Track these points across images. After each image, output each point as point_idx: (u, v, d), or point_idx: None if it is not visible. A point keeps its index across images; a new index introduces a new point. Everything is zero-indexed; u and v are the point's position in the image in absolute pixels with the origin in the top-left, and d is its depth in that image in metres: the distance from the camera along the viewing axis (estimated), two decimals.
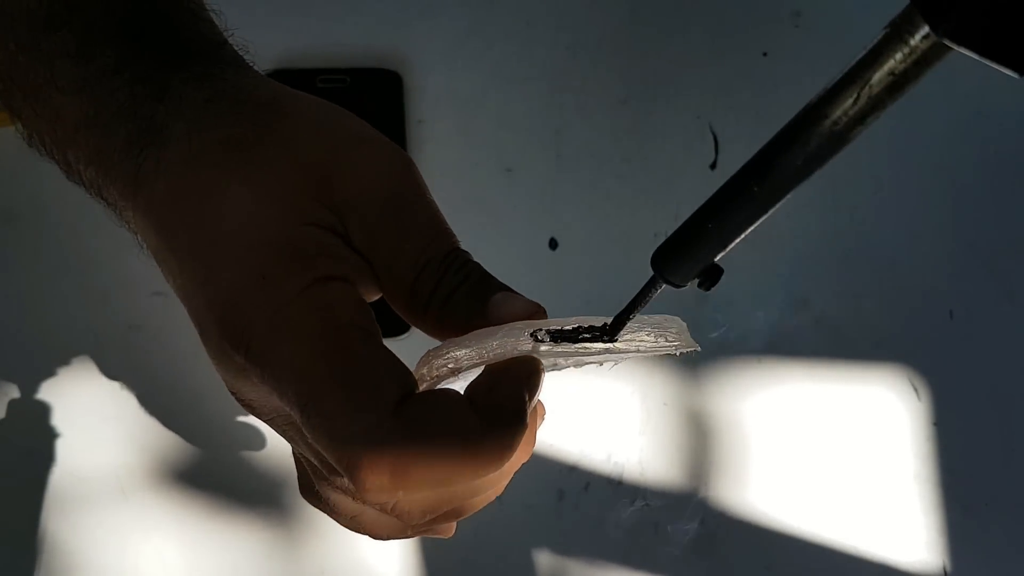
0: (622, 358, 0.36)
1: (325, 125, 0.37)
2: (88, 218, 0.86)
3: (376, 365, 0.33)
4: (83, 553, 0.81)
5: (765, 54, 0.89)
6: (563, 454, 0.83)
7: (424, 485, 0.32)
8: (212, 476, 0.82)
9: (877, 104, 0.26)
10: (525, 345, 0.33)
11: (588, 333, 0.35)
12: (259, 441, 0.82)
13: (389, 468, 0.31)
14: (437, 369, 0.34)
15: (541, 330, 0.34)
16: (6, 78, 0.39)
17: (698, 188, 0.91)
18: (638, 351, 0.36)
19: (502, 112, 0.88)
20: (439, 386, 0.36)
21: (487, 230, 0.85)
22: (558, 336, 0.34)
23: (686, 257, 0.32)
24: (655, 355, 0.37)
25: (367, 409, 0.31)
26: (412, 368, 0.36)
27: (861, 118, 0.26)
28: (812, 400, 0.85)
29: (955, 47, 0.23)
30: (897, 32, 0.25)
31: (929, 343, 0.87)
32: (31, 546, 0.80)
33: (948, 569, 0.84)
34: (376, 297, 0.38)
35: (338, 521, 0.41)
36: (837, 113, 0.26)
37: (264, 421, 0.38)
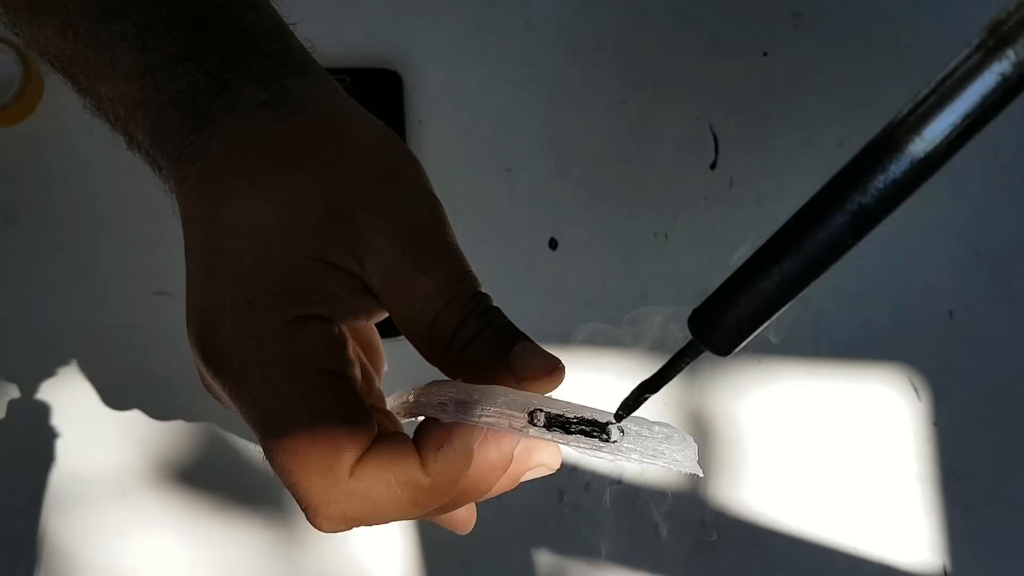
0: (614, 460, 0.37)
1: (366, 159, 0.38)
2: (88, 218, 0.86)
3: (338, 421, 0.34)
4: (83, 553, 0.81)
5: (765, 54, 0.89)
6: (563, 454, 0.83)
7: (376, 524, 0.34)
8: (212, 476, 0.82)
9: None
10: (518, 423, 0.34)
11: (586, 427, 0.35)
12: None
13: (342, 518, 0.33)
14: (434, 396, 0.35)
15: (540, 412, 0.35)
16: (69, 62, 0.40)
17: (698, 188, 0.91)
18: (629, 461, 0.36)
19: (502, 112, 0.88)
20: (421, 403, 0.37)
21: (487, 230, 0.85)
22: (554, 423, 0.35)
23: (739, 320, 0.27)
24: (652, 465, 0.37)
25: (325, 472, 0.33)
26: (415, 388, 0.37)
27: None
28: (812, 400, 0.85)
29: None
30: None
31: (929, 343, 0.87)
32: (31, 546, 0.80)
33: (948, 569, 0.84)
34: (367, 324, 0.39)
35: None
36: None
37: (232, 415, 0.39)
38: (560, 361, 0.36)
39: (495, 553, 0.82)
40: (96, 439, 0.81)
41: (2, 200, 0.84)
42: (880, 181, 0.24)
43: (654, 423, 0.36)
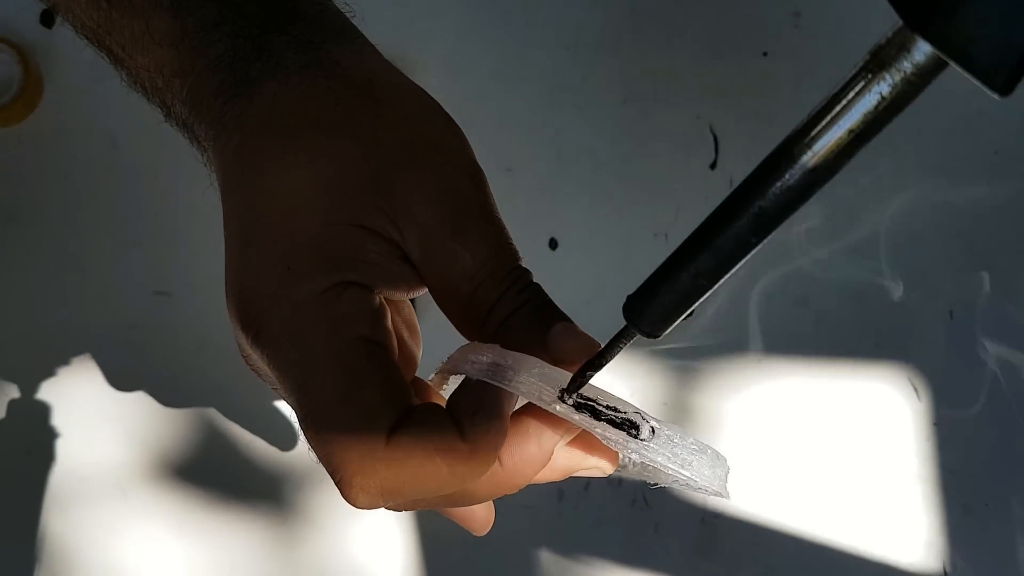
0: (639, 459, 0.36)
1: (408, 125, 0.37)
2: (88, 218, 0.86)
3: (376, 388, 0.33)
4: (83, 551, 0.81)
5: (765, 54, 0.89)
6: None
7: (411, 500, 0.33)
8: (211, 475, 0.82)
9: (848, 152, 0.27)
10: (548, 396, 0.34)
11: (616, 419, 0.35)
12: (259, 441, 0.82)
13: (378, 489, 0.32)
14: (469, 353, 0.34)
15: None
16: (103, 34, 0.39)
17: (698, 188, 0.91)
18: (653, 463, 0.35)
19: (502, 112, 0.88)
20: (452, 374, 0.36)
21: None
22: (585, 405, 0.34)
23: (663, 307, 0.31)
24: (674, 480, 0.36)
25: (362, 438, 0.32)
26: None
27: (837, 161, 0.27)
28: (812, 400, 0.85)
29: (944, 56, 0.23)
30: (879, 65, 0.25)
31: (929, 343, 0.87)
32: (31, 545, 0.80)
33: (948, 569, 0.84)
34: (407, 297, 0.38)
35: None
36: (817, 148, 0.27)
37: (271, 388, 0.38)
38: (599, 344, 0.35)
39: (495, 553, 0.82)
40: (96, 438, 0.81)
41: (2, 200, 0.84)
42: (777, 188, 0.27)
43: (689, 435, 0.36)
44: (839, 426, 0.85)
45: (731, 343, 0.85)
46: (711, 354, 0.85)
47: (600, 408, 0.34)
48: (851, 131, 0.26)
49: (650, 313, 0.31)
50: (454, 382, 0.36)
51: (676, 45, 0.89)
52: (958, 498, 0.84)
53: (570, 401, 0.34)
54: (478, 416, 0.33)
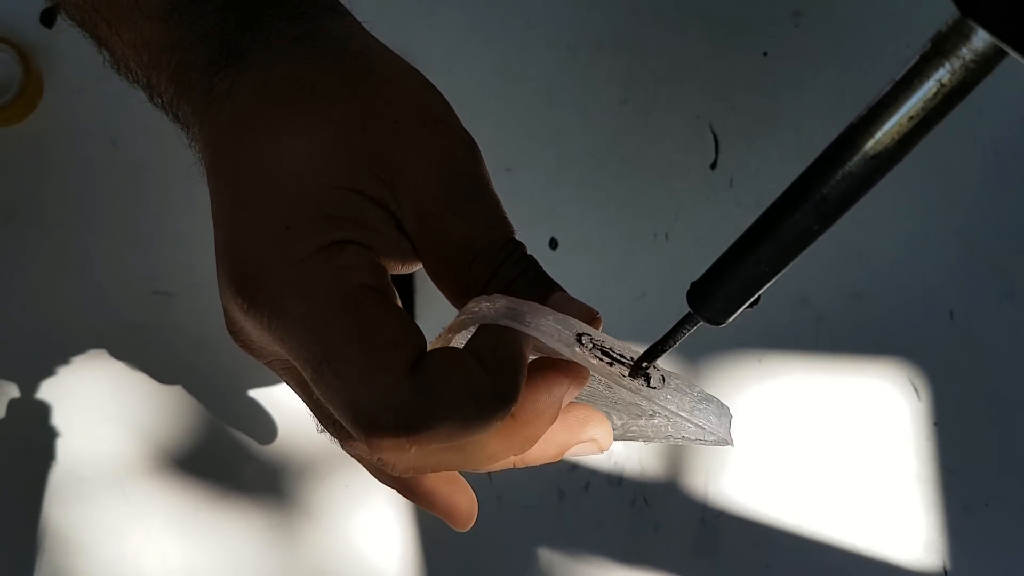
0: (649, 405, 0.36)
1: (403, 96, 0.37)
2: (88, 218, 0.86)
3: (391, 325, 0.32)
4: (84, 550, 0.81)
5: (765, 54, 0.89)
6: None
7: (438, 440, 0.32)
8: (211, 474, 0.82)
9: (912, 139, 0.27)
10: (565, 339, 0.34)
11: (626, 362, 0.35)
12: (259, 439, 0.82)
13: (404, 425, 0.31)
14: (484, 301, 0.34)
15: (589, 337, 0.34)
16: (90, 10, 0.39)
17: (698, 188, 0.91)
18: (664, 411, 0.35)
19: (502, 112, 0.88)
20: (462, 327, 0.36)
21: None
22: (599, 351, 0.34)
23: (726, 295, 0.31)
24: (680, 431, 0.36)
25: (384, 371, 0.31)
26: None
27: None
28: (812, 400, 0.85)
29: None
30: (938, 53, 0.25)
31: (929, 343, 0.87)
32: (32, 544, 0.80)
33: (948, 569, 0.84)
34: (401, 271, 0.38)
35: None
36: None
37: (263, 363, 0.38)
38: (597, 311, 0.35)
39: (495, 552, 0.82)
40: (96, 438, 0.81)
41: (2, 200, 0.84)
42: (838, 174, 0.28)
43: (696, 385, 0.36)
44: (839, 426, 0.85)
45: (731, 343, 0.85)
46: (712, 354, 0.85)
47: (614, 355, 0.34)
48: (911, 118, 0.26)
49: (713, 301, 0.31)
50: (458, 343, 0.36)
51: (676, 45, 0.89)
52: (958, 498, 0.84)
53: (587, 346, 0.34)
54: (499, 350, 0.33)
